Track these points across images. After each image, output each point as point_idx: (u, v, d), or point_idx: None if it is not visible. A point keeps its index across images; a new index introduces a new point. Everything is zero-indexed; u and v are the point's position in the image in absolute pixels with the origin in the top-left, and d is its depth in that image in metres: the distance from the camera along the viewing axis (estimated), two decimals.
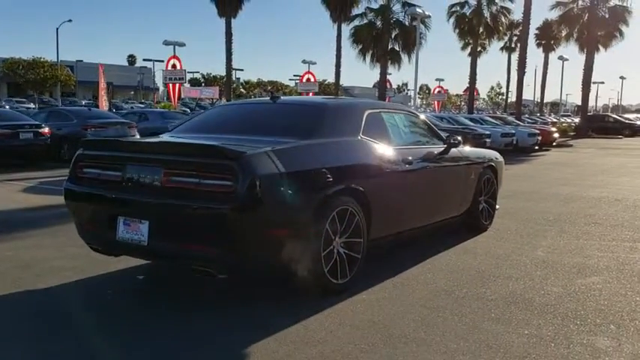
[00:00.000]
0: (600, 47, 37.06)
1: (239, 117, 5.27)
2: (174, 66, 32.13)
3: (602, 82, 72.76)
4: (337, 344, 3.48)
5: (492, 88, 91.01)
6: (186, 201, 3.78)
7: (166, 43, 32.94)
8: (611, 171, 14.93)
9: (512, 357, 3.33)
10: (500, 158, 7.40)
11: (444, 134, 6.32)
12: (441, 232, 6.16)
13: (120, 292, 4.52)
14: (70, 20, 55.96)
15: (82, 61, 71.87)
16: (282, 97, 5.28)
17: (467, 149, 6.56)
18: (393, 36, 32.75)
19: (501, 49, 60.58)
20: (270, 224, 3.86)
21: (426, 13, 25.92)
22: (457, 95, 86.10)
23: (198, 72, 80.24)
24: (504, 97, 71.92)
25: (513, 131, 21.39)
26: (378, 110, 5.34)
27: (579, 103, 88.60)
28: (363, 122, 4.97)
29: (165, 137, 4.87)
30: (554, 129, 26.14)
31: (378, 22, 32.67)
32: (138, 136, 16.60)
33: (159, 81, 74.01)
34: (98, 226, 4.35)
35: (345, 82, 42.00)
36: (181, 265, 4.17)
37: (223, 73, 78.52)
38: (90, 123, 15.11)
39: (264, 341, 3.50)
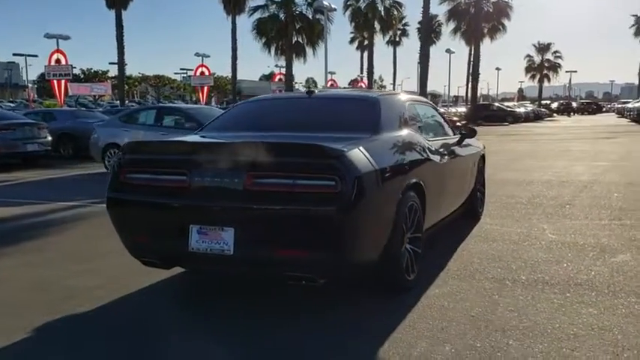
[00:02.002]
0: (486, 39, 39.65)
1: (286, 112, 4.94)
2: (57, 61, 30.01)
3: (479, 74, 77.72)
4: (464, 342, 3.39)
5: (375, 81, 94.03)
6: (281, 204, 3.50)
7: (48, 36, 30.64)
8: (531, 155, 15.88)
9: (631, 337, 3.43)
10: (483, 146, 7.64)
11: None
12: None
13: (178, 306, 4.12)
14: None
15: None
16: (316, 92, 5.03)
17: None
18: (297, 29, 32.79)
19: (387, 42, 62.62)
20: (369, 223, 3.68)
21: (332, 6, 26.15)
22: (345, 88, 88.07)
23: (75, 67, 75.27)
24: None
25: None
26: (411, 102, 5.28)
27: (456, 93, 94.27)
28: (407, 114, 4.89)
29: (239, 136, 4.40)
30: (456, 118, 27.54)
31: (282, 15, 32.53)
32: (49, 138, 15.32)
33: (31, 77, 68.64)
34: (158, 237, 3.90)
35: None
36: (272, 273, 3.83)
37: (104, 68, 72.57)
38: None
39: (384, 346, 3.34)
